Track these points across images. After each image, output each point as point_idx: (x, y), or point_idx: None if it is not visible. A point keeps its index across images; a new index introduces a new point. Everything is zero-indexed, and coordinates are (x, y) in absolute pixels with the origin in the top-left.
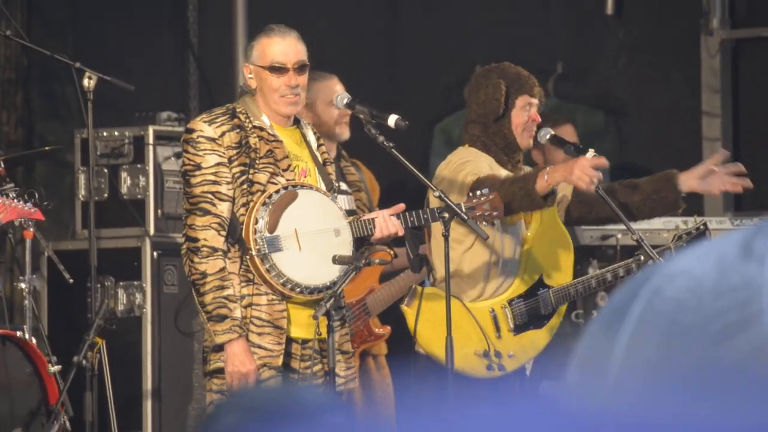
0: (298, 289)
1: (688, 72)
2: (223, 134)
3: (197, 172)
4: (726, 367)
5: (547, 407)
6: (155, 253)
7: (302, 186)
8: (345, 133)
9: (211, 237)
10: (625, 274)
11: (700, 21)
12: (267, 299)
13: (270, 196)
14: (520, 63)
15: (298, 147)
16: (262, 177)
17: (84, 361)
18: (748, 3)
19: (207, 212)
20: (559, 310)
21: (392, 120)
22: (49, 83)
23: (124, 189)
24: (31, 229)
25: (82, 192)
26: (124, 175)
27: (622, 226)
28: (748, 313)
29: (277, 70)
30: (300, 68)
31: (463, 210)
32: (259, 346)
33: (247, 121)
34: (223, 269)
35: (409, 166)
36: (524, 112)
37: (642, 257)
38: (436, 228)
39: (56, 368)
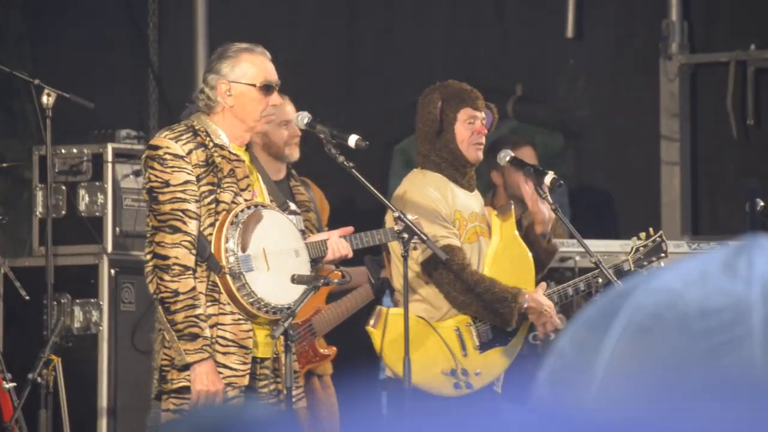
0: (265, 309)
1: (647, 96)
2: (190, 152)
3: (165, 189)
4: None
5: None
6: (113, 271)
7: (263, 206)
8: (294, 154)
9: (183, 255)
10: (585, 288)
11: (659, 45)
12: (232, 319)
13: (237, 216)
14: (479, 84)
15: (250, 167)
16: (226, 196)
17: (39, 379)
18: (707, 28)
19: (177, 230)
20: (524, 324)
21: (353, 140)
22: (7, 100)
23: (82, 206)
24: None
25: (39, 209)
26: (82, 192)
27: (581, 248)
28: (736, 334)
29: (267, 89)
30: (278, 87)
31: (393, 230)
32: (225, 366)
33: (208, 139)
34: (193, 288)
35: (370, 186)
36: (468, 126)
37: (600, 279)
38: (396, 251)
39: (11, 385)
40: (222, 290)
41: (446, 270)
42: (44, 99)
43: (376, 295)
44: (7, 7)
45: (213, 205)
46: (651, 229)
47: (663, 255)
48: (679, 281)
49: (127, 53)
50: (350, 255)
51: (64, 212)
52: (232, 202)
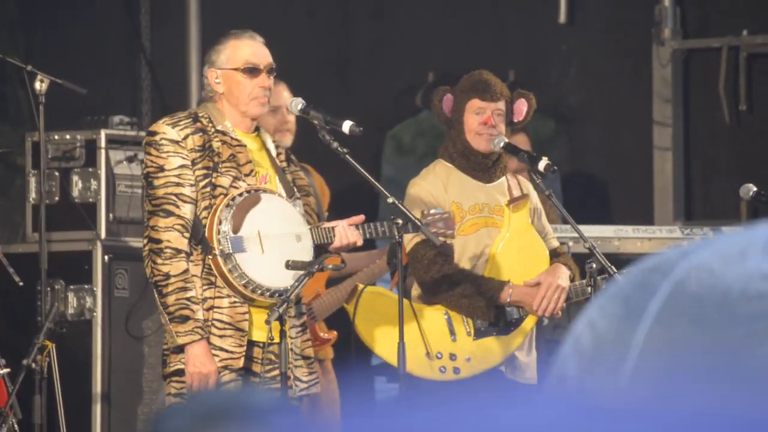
0: (260, 291)
1: (639, 81)
2: (186, 137)
3: (160, 174)
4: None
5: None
6: (106, 257)
7: (264, 190)
8: (285, 140)
9: (175, 239)
10: (592, 287)
11: (652, 30)
12: (229, 302)
13: (233, 199)
14: (471, 70)
15: (259, 153)
16: (224, 180)
17: (33, 364)
18: (699, 13)
19: (170, 213)
20: (530, 317)
21: (346, 126)
22: (0, 86)
23: (75, 192)
24: None
25: (32, 195)
26: (75, 178)
27: (574, 233)
28: None
29: (250, 71)
30: (270, 70)
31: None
32: (221, 348)
33: (210, 125)
34: (186, 271)
35: (363, 172)
36: (476, 116)
37: (594, 265)
38: (407, 237)
39: (5, 371)
40: (215, 273)
41: (424, 261)
42: (37, 85)
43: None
44: None
45: (208, 189)
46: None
47: None
48: (719, 260)
49: (119, 39)
50: (360, 243)
51: (57, 198)
52: (231, 186)
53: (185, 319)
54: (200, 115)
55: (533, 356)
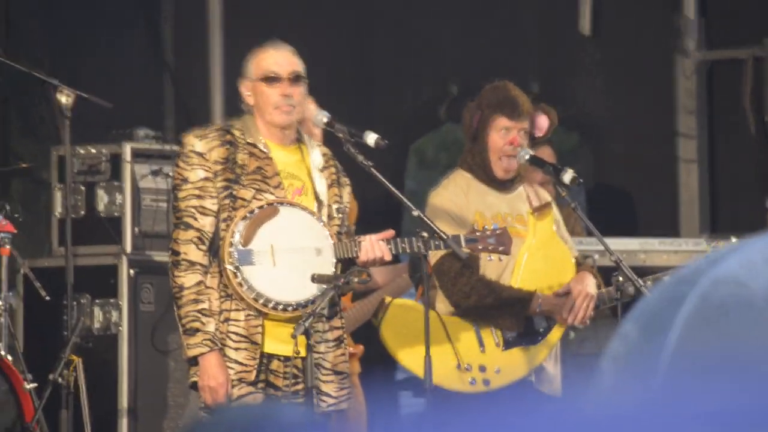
0: (271, 305)
1: (663, 93)
2: (211, 149)
3: (184, 186)
4: None
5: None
6: (132, 271)
7: (288, 203)
8: None
9: (191, 251)
10: (609, 300)
11: (676, 42)
12: (244, 315)
13: (252, 211)
14: (494, 82)
15: (295, 165)
16: (246, 193)
17: (60, 379)
18: (723, 25)
19: (189, 226)
20: (557, 326)
21: (371, 139)
22: (25, 100)
23: (100, 206)
24: (8, 246)
25: (58, 209)
26: (100, 192)
27: (600, 246)
28: None
29: (271, 79)
30: (294, 79)
31: (459, 236)
32: (235, 361)
33: (242, 137)
34: (200, 283)
35: (389, 185)
36: (502, 135)
37: (620, 278)
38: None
39: (32, 386)
40: (229, 286)
41: (451, 273)
42: (63, 99)
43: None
44: (24, 8)
45: (228, 201)
46: (708, 248)
47: None
48: (744, 269)
49: (143, 53)
50: (388, 258)
51: (83, 212)
52: (253, 198)
53: (195, 331)
54: (235, 126)
55: (558, 368)
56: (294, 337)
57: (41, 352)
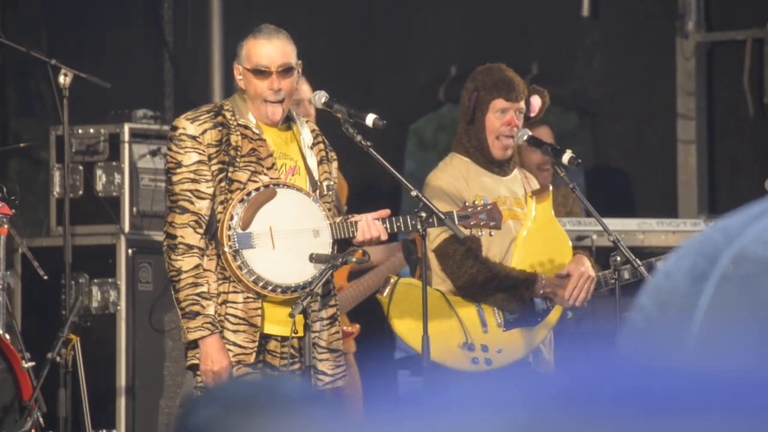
0: (270, 287)
1: (663, 74)
2: (204, 132)
3: (178, 170)
4: None
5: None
6: (130, 251)
7: (283, 185)
8: None
9: (188, 234)
10: (616, 280)
11: (675, 23)
12: (243, 297)
13: (249, 194)
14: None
15: (286, 145)
16: (242, 175)
17: (58, 358)
18: (723, 6)
19: (185, 210)
20: (556, 307)
21: (370, 119)
22: (24, 80)
23: (99, 186)
24: (5, 226)
25: (56, 189)
26: (99, 172)
27: (598, 227)
28: None
29: (260, 73)
30: (284, 71)
31: (452, 213)
32: (234, 344)
33: (233, 118)
34: (197, 266)
35: (387, 165)
36: (499, 117)
37: (618, 258)
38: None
39: (30, 365)
40: (227, 269)
41: (456, 256)
42: (61, 79)
43: (413, 275)
44: None
45: (224, 184)
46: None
47: None
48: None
49: (142, 33)
50: (384, 237)
51: (81, 192)
52: (249, 180)
53: (195, 314)
54: (225, 107)
55: (552, 353)
56: (292, 316)
57: (39, 331)
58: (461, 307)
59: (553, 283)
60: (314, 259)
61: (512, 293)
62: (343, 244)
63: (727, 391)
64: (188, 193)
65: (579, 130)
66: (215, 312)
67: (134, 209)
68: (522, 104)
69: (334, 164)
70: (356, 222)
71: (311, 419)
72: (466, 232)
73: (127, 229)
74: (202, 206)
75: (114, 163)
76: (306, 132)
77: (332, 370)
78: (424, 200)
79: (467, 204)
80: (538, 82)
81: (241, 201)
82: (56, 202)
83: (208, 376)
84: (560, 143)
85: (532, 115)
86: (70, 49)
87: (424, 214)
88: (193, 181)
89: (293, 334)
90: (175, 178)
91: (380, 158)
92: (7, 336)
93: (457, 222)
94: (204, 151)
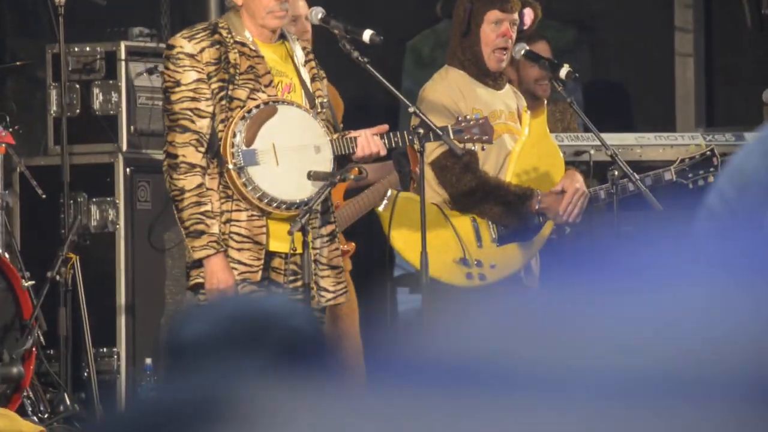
0: (275, 204)
1: None
2: (202, 50)
3: (176, 89)
4: None
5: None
6: (128, 170)
7: (283, 102)
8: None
9: (190, 153)
10: (606, 196)
11: None
12: (247, 215)
13: (249, 111)
14: None
15: (282, 62)
16: (241, 93)
17: (58, 277)
18: None
19: (186, 129)
20: (548, 223)
21: (367, 35)
22: None
23: (96, 105)
24: (3, 145)
25: (54, 108)
26: (96, 90)
27: (596, 141)
28: None
29: None
30: None
31: (447, 128)
32: (239, 262)
33: (229, 36)
34: (200, 185)
35: (385, 82)
36: (494, 28)
37: (616, 172)
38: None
39: (30, 283)
40: (231, 187)
41: (455, 169)
42: None
43: (403, 188)
44: None
45: (225, 102)
46: (703, 144)
47: (712, 170)
48: None
49: None
50: (383, 152)
51: (78, 111)
52: (249, 98)
53: (200, 233)
54: (220, 25)
55: (538, 265)
56: (291, 233)
57: (39, 250)
58: (457, 221)
59: (548, 199)
60: (312, 176)
61: (509, 207)
62: (342, 161)
63: None
64: (188, 112)
65: (577, 45)
66: (219, 231)
67: (132, 128)
68: (516, 16)
69: (324, 81)
70: (355, 138)
71: (295, 333)
72: (461, 146)
73: (124, 147)
74: (203, 125)
75: (111, 82)
76: (298, 49)
77: (333, 287)
78: (422, 116)
79: (460, 118)
80: None
81: (243, 118)
82: (53, 120)
83: (214, 294)
84: (558, 58)
85: (525, 27)
86: None
87: (422, 131)
88: (193, 99)
89: (292, 252)
90: (174, 97)
91: (377, 74)
92: (7, 255)
93: (452, 136)
94: (203, 69)
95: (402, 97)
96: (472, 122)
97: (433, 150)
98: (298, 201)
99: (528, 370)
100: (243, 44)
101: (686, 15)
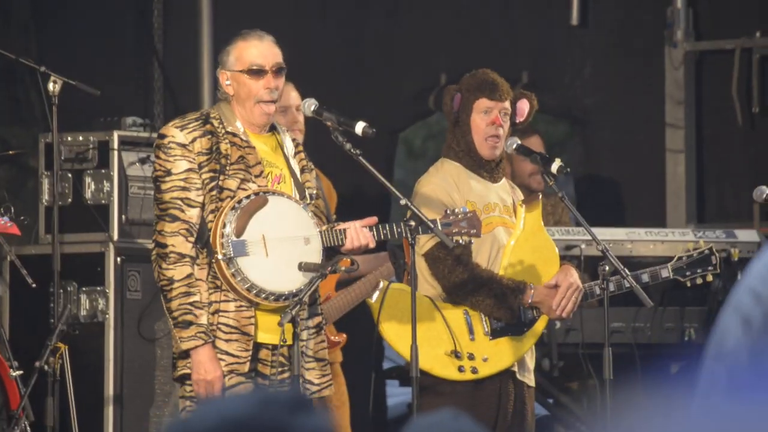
0: (263, 295)
1: (652, 83)
2: (194, 140)
3: (167, 178)
4: None
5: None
6: (119, 259)
7: (273, 192)
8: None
9: (179, 243)
10: (601, 292)
11: (664, 32)
12: (235, 306)
13: (240, 201)
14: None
15: (272, 153)
16: (232, 183)
17: (46, 366)
18: (712, 15)
19: (176, 218)
20: (542, 317)
21: (359, 127)
22: (12, 87)
23: (88, 194)
24: None
25: (45, 196)
26: (88, 180)
27: (587, 236)
28: None
29: (256, 72)
30: (278, 71)
31: (436, 221)
32: (227, 353)
33: (220, 126)
34: (189, 275)
35: (377, 173)
36: (484, 116)
37: (606, 267)
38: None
39: (18, 373)
40: (220, 277)
41: (448, 260)
42: (50, 86)
43: (399, 281)
44: None
45: (215, 192)
46: (701, 242)
47: (711, 269)
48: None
49: (132, 41)
50: (372, 245)
51: (70, 200)
52: (239, 188)
53: (188, 324)
54: (212, 115)
55: (534, 360)
56: (281, 325)
57: (27, 339)
58: (449, 313)
59: (541, 293)
60: (303, 267)
61: (501, 301)
62: (331, 252)
63: None
64: (178, 201)
65: (570, 139)
66: (208, 321)
67: (123, 217)
68: (507, 104)
69: (314, 173)
70: (344, 230)
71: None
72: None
73: (116, 237)
74: (193, 214)
75: (103, 171)
76: (288, 141)
77: (318, 379)
78: (413, 209)
79: (448, 211)
80: (529, 90)
81: (233, 208)
82: (45, 209)
83: (201, 385)
84: (551, 152)
85: (521, 119)
86: (59, 56)
87: (413, 223)
88: (183, 189)
89: (282, 343)
90: (164, 186)
91: (369, 167)
92: None
93: (441, 229)
94: (194, 159)
95: (394, 189)
96: (460, 216)
97: (426, 242)
98: (286, 292)
99: None
100: (234, 134)
101: (677, 112)
